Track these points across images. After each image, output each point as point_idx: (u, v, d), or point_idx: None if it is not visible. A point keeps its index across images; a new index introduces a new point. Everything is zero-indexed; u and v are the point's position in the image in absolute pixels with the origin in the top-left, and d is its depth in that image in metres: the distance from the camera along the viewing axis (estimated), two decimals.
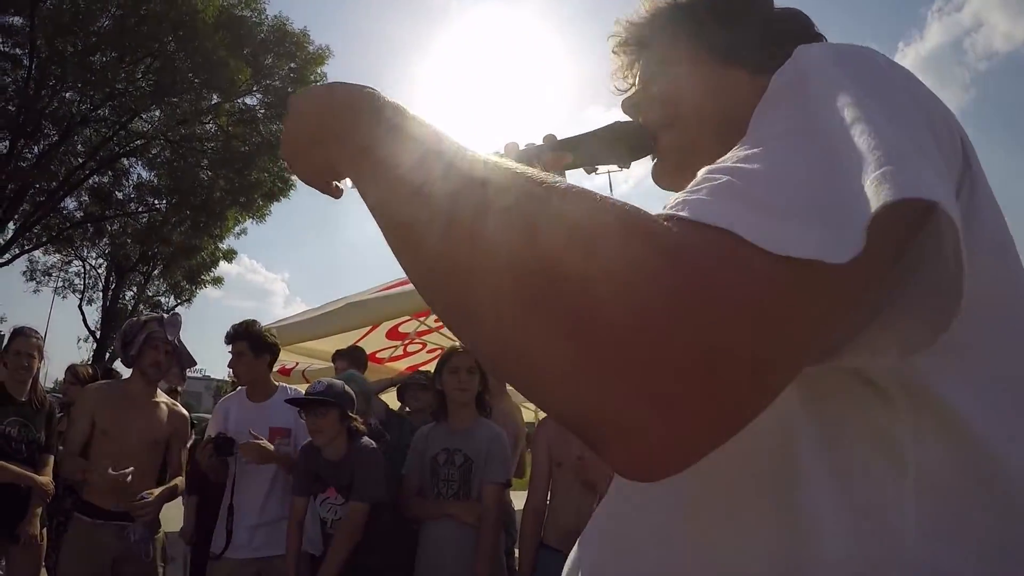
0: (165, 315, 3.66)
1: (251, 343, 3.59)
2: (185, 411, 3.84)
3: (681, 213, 0.43)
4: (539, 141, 0.90)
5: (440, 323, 6.30)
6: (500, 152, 0.90)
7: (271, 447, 3.36)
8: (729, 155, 0.51)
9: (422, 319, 6.26)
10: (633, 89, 0.92)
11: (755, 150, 0.49)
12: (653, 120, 0.88)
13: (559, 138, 0.90)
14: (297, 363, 7.32)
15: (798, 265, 0.40)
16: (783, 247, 0.40)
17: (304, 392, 3.42)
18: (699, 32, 0.85)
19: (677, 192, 0.84)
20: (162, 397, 3.67)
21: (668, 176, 0.88)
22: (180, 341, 3.61)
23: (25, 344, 3.85)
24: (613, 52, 0.94)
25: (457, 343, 3.59)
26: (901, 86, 0.55)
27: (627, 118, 0.91)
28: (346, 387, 3.24)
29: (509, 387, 4.52)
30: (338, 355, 4.84)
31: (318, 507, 3.17)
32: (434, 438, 3.24)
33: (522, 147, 0.90)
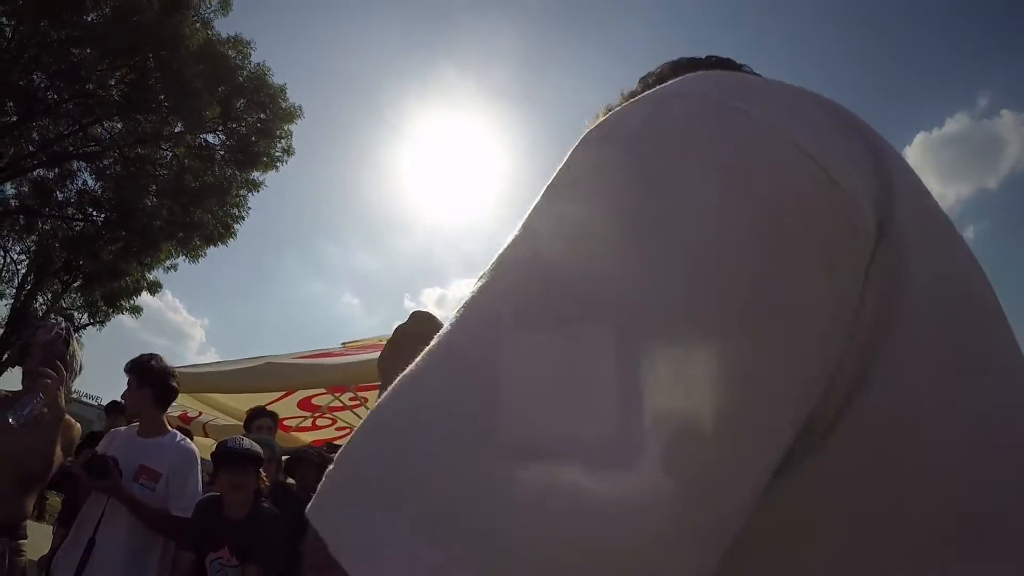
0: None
1: (139, 375, 3.48)
2: (77, 424, 3.52)
3: None
4: None
5: (355, 402, 6.21)
6: None
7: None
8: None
9: (337, 395, 6.24)
10: None
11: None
12: None
13: None
14: (201, 413, 7.16)
15: None
16: None
17: (216, 446, 3.37)
18: None
19: None
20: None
21: None
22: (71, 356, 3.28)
23: None
24: None
25: None
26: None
27: None
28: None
29: None
30: (261, 413, 4.80)
31: (208, 566, 3.08)
32: None
33: None
